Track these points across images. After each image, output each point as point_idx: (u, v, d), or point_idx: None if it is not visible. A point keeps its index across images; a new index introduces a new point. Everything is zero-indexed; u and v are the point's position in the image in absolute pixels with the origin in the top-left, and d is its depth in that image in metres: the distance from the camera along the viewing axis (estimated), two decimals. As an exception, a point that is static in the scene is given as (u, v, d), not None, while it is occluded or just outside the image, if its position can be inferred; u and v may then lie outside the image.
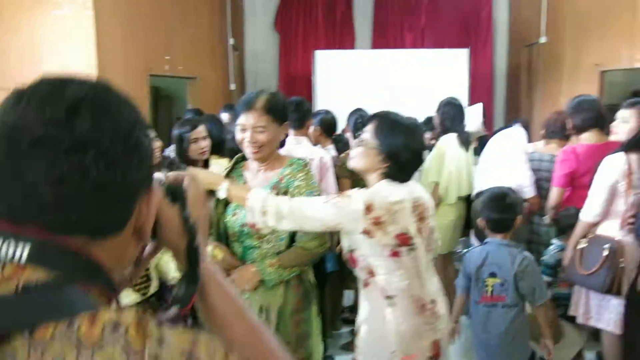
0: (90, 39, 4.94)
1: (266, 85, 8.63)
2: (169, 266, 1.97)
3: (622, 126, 2.70)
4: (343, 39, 8.76)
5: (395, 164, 1.78)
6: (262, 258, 1.93)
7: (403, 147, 1.77)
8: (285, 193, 1.93)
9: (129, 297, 1.82)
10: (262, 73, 8.81)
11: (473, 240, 3.78)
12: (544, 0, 6.46)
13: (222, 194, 1.88)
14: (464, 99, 7.24)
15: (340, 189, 3.25)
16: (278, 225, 1.79)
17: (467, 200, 3.91)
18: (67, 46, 4.97)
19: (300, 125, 3.30)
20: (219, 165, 3.12)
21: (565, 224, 3.01)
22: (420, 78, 7.31)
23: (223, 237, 2.01)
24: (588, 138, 3.10)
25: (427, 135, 4.36)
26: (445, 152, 3.77)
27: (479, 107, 4.77)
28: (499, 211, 2.55)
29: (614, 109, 3.05)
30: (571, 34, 5.95)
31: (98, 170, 0.57)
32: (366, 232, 1.73)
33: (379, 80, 7.42)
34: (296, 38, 8.80)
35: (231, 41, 7.33)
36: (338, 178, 3.37)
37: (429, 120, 4.54)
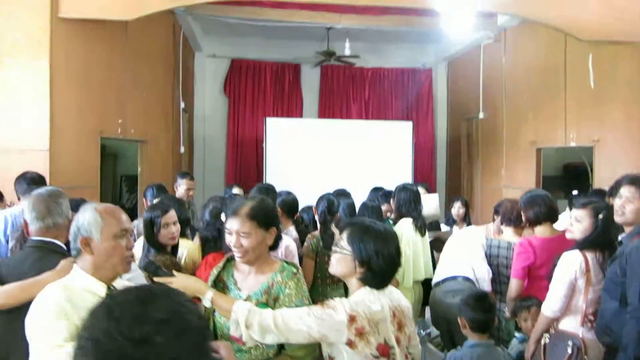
0: (44, 99, 4.78)
1: (214, 148, 8.66)
2: None
3: (576, 225, 2.87)
4: (291, 106, 9.00)
5: (369, 270, 1.84)
6: None
7: (375, 253, 1.83)
8: (275, 300, 1.94)
9: None
10: (211, 136, 8.81)
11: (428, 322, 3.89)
12: (480, 81, 7.02)
13: (207, 304, 1.88)
14: (408, 169, 7.59)
15: (304, 268, 3.32)
16: (262, 339, 1.78)
17: (424, 284, 4.04)
18: (20, 104, 4.77)
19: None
20: (184, 247, 3.08)
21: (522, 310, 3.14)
22: (367, 147, 7.60)
23: (212, 336, 1.98)
24: (542, 232, 3.28)
25: (384, 207, 4.49)
26: (402, 236, 3.84)
27: (435, 196, 5.10)
28: (483, 311, 2.59)
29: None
30: (508, 112, 6.48)
31: None
32: (349, 344, 1.76)
33: (327, 148, 7.65)
34: (245, 103, 8.93)
35: (182, 104, 7.32)
36: (301, 259, 3.42)
37: (387, 193, 4.68)
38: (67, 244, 2.19)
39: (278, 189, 4.06)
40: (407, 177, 7.14)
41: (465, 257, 3.57)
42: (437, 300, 3.57)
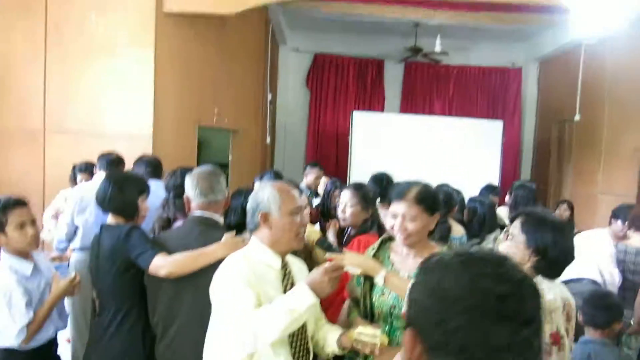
0: (149, 88, 5.06)
1: (295, 140, 8.80)
2: (327, 342, 1.94)
3: None
4: (373, 101, 8.97)
5: (544, 259, 1.80)
6: None
7: (552, 243, 1.79)
8: None
9: None
10: (292, 128, 8.95)
11: None
12: (579, 82, 6.68)
13: (380, 282, 1.93)
14: (495, 170, 7.37)
15: None
16: None
17: None
18: (127, 95, 5.07)
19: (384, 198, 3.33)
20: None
21: None
22: (452, 145, 7.44)
23: (369, 314, 2.01)
24: None
25: (495, 198, 4.49)
26: None
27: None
28: (605, 307, 2.54)
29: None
30: (610, 116, 6.12)
31: (538, 343, 0.68)
32: None
33: (412, 143, 7.57)
34: (326, 97, 9.00)
35: (269, 96, 7.48)
36: None
37: (493, 187, 4.72)
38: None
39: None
40: (494, 178, 6.93)
41: (593, 259, 3.44)
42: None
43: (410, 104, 8.93)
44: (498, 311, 0.65)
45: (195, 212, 2.29)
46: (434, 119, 8.23)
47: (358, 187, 2.91)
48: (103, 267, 2.35)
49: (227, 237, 2.18)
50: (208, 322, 1.98)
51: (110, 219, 2.44)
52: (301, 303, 1.70)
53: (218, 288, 1.80)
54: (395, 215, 1.98)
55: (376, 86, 9.01)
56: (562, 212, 5.10)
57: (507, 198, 4.19)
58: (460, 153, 7.30)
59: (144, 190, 2.47)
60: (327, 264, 1.77)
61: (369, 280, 2.01)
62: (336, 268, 1.76)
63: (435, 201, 2.02)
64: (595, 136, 6.38)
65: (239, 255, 1.87)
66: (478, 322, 0.65)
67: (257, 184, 5.03)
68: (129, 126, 5.07)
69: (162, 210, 2.61)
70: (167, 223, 2.58)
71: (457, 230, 3.27)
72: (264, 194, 1.88)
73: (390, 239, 2.13)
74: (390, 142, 7.59)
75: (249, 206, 1.91)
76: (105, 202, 2.40)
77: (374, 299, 2.00)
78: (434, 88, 8.91)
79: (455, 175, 5.71)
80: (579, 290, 3.26)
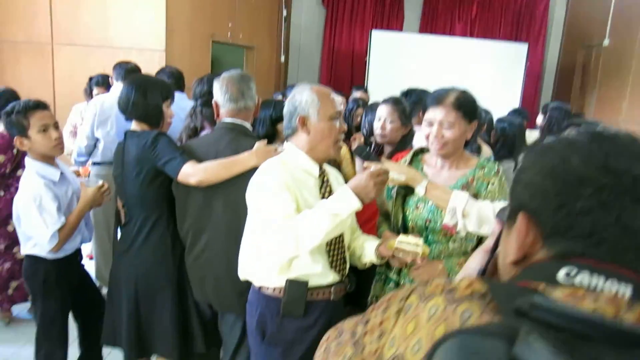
0: (160, 1, 4.82)
1: (309, 59, 8.54)
2: (365, 251, 1.92)
3: None
4: (391, 21, 8.59)
5: None
6: (447, 256, 1.88)
7: None
8: (475, 196, 1.84)
9: (328, 276, 1.80)
10: (306, 47, 8.65)
11: None
12: (612, 4, 6.32)
13: (421, 192, 1.86)
14: (516, 94, 7.17)
15: None
16: (479, 230, 1.75)
17: None
18: (137, 6, 4.84)
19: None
20: None
21: None
22: (474, 67, 7.20)
23: (401, 229, 1.94)
24: None
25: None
26: None
27: None
28: None
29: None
30: (642, 40, 5.84)
31: None
32: None
33: (432, 64, 7.31)
34: (343, 15, 8.61)
35: (284, 13, 7.17)
36: None
37: (521, 110, 4.59)
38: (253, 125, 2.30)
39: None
40: (515, 103, 6.75)
41: None
42: None
43: (431, 24, 8.55)
44: (634, 192, 0.59)
45: (225, 119, 2.17)
46: (455, 40, 7.90)
47: (397, 102, 2.71)
48: (129, 175, 2.25)
49: (260, 145, 2.08)
50: (238, 233, 1.95)
51: (134, 126, 2.29)
52: (345, 207, 1.64)
53: (256, 193, 1.74)
54: (432, 123, 1.85)
55: (395, 4, 8.59)
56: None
57: (539, 119, 4.05)
58: (482, 77, 7.08)
59: (169, 95, 2.32)
60: (372, 168, 1.70)
61: (401, 193, 1.94)
62: (381, 173, 1.68)
63: (474, 107, 1.89)
64: (623, 63, 6.12)
65: (275, 160, 1.80)
66: (611, 204, 0.59)
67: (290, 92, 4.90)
68: (141, 39, 4.89)
69: (189, 120, 2.49)
70: (195, 132, 2.47)
71: (486, 152, 3.16)
72: (302, 97, 1.78)
73: (423, 150, 2.03)
74: (409, 64, 7.35)
75: (285, 110, 1.82)
76: (128, 108, 2.25)
77: (407, 212, 1.93)
78: (456, 7, 8.48)
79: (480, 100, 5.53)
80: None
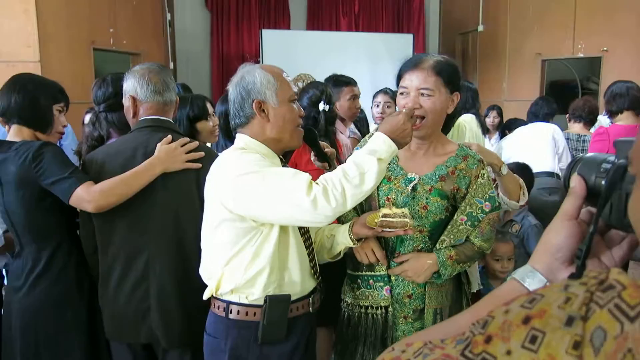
0: (30, 5, 4.35)
1: (197, 65, 8.23)
2: (336, 239, 1.72)
3: None
4: (277, 19, 8.56)
5: None
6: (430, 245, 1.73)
7: None
8: (454, 193, 1.70)
9: (308, 284, 1.63)
10: (194, 52, 8.34)
11: None
12: (482, -9, 6.80)
13: (505, 172, 1.91)
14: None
15: None
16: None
17: None
18: (5, 12, 4.32)
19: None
20: None
21: None
22: (364, 60, 7.37)
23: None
24: (621, 119, 3.34)
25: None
26: (466, 130, 3.73)
27: None
28: None
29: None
30: (512, 23, 6.34)
31: None
32: None
33: (321, 60, 7.37)
34: (228, 17, 8.42)
35: (168, 16, 6.84)
36: None
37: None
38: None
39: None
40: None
41: (549, 151, 3.57)
42: (531, 196, 3.57)
43: (317, 21, 8.64)
44: None
45: (146, 117, 1.87)
46: (342, 35, 8.06)
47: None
48: (10, 195, 1.85)
49: (162, 146, 1.78)
50: (184, 247, 1.75)
51: (12, 134, 1.88)
52: (386, 151, 1.44)
53: (236, 181, 1.45)
54: (407, 91, 1.62)
55: (280, 3, 8.57)
56: (492, 119, 5.25)
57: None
58: (373, 68, 7.27)
59: (61, 99, 1.96)
60: (405, 109, 1.55)
61: None
62: (412, 114, 1.55)
63: (457, 75, 1.66)
64: (499, 46, 6.62)
65: (231, 151, 1.56)
66: None
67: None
68: (10, 49, 4.37)
69: (90, 128, 2.19)
70: (101, 142, 2.18)
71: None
72: (254, 78, 1.54)
73: None
74: (301, 60, 7.34)
75: (233, 95, 1.57)
76: (8, 109, 1.86)
77: (380, 188, 1.74)
78: (339, 4, 8.66)
79: (370, 92, 5.68)
80: (550, 185, 3.50)
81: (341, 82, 3.15)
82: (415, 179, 1.70)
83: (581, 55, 5.50)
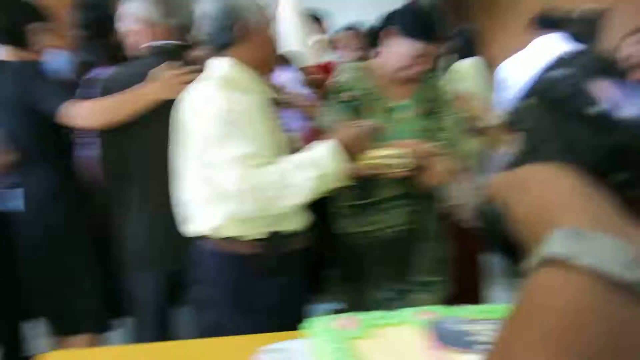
0: None
1: None
2: None
3: None
4: None
5: None
6: None
7: None
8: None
9: (305, 216, 1.56)
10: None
11: None
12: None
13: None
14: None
15: None
16: None
17: None
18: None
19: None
20: None
21: None
22: None
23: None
24: None
25: None
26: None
27: None
28: None
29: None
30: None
31: None
32: None
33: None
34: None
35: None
36: None
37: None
38: None
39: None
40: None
41: None
42: None
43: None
44: None
45: (157, 42, 1.70)
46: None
47: None
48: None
49: (160, 71, 1.66)
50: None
51: None
52: (332, 166, 1.33)
53: (199, 130, 1.37)
54: (424, 60, 1.63)
55: None
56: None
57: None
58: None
59: (37, 18, 1.82)
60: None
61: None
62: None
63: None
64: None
65: (214, 84, 1.38)
66: None
67: None
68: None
69: (75, 53, 1.98)
70: (88, 69, 1.96)
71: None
72: None
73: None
74: None
75: (212, 12, 1.39)
76: None
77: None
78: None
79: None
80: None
81: None
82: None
83: None
